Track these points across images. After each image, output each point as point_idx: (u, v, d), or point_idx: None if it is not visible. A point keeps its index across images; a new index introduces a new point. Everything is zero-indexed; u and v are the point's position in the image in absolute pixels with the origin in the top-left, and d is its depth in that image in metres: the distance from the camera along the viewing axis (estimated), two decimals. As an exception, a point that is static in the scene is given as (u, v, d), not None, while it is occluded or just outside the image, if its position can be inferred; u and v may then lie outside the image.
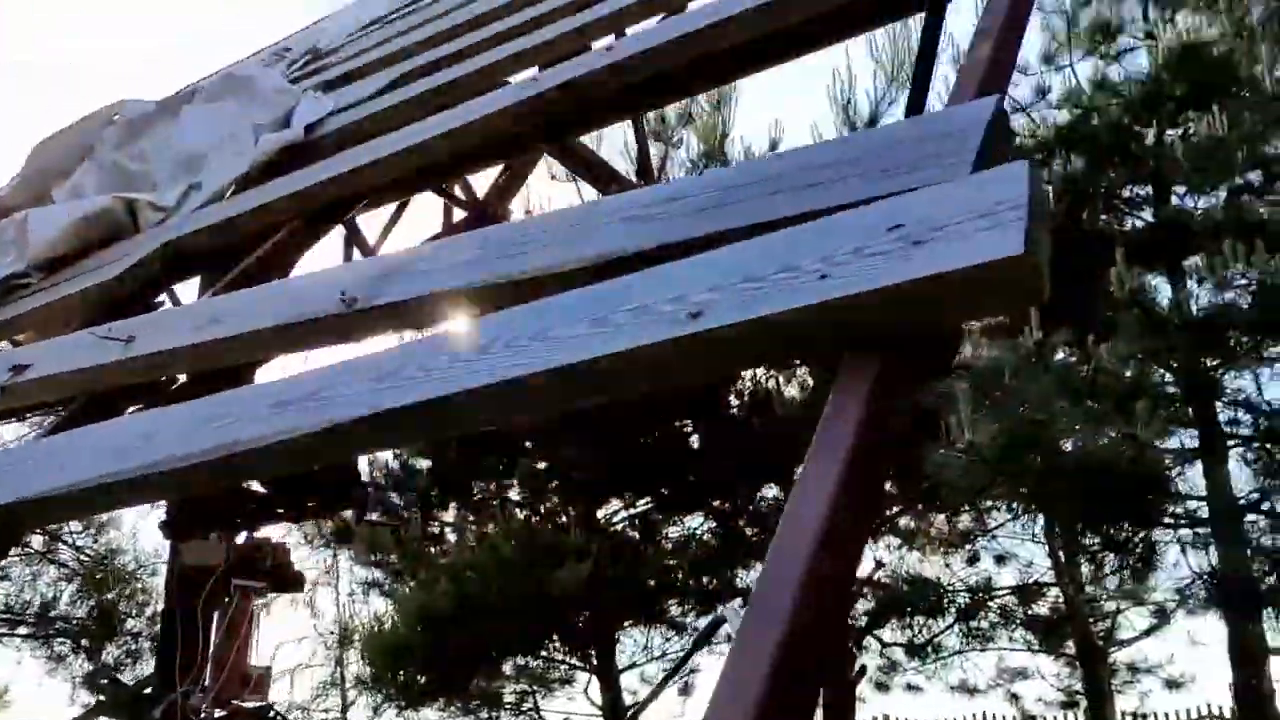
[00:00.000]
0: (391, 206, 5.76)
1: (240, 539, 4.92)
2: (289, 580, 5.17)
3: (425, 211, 6.76)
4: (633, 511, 11.33)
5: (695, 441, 11.04)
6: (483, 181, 6.06)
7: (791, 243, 1.31)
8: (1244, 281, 6.73)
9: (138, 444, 1.76)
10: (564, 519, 11.04)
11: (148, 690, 5.11)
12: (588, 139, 6.59)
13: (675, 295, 1.32)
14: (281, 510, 5.13)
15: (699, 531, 11.41)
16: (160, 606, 11.92)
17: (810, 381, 10.44)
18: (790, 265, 1.26)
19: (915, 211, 1.22)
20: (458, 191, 6.04)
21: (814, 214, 1.37)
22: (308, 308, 1.98)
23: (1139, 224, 9.32)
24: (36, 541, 12.11)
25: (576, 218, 1.83)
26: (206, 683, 4.68)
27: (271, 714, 5.25)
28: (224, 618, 4.78)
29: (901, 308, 1.14)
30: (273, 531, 5.31)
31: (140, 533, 17.40)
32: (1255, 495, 8.32)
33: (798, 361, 9.91)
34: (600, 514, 11.13)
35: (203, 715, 4.56)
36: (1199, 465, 8.52)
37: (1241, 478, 8.40)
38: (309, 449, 1.64)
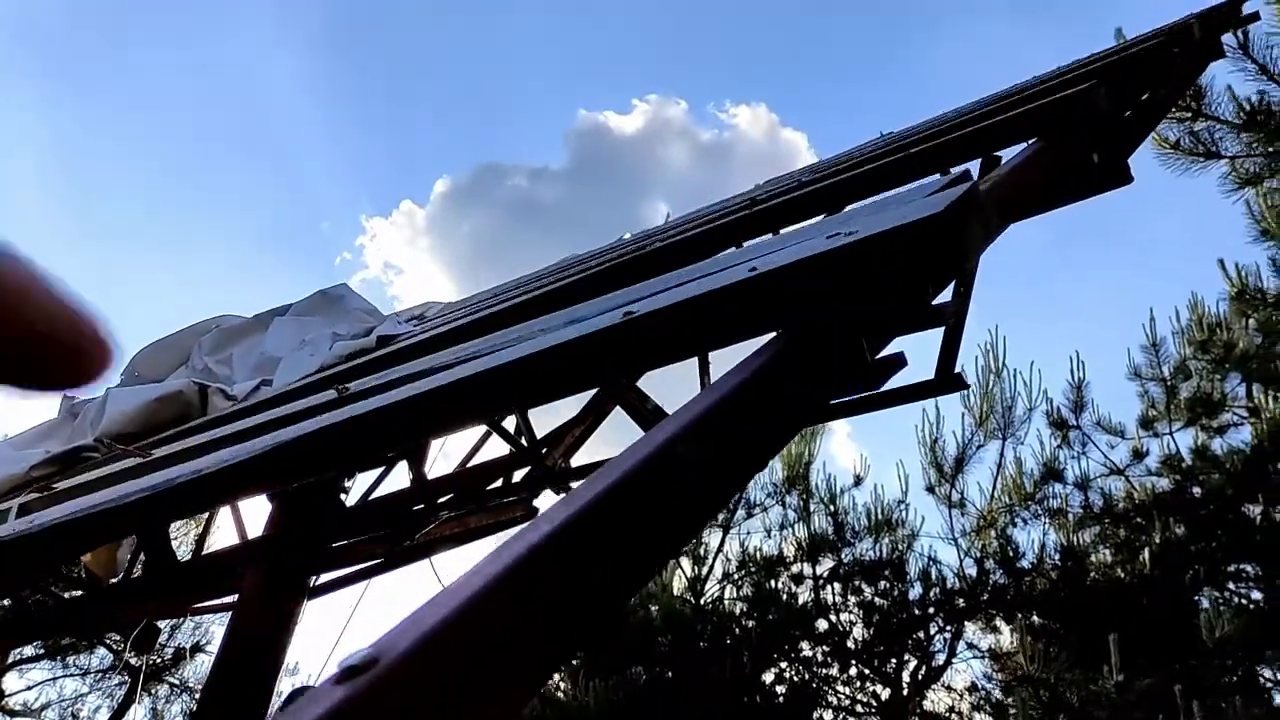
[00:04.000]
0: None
1: None
2: None
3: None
4: None
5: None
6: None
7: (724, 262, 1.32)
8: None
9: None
10: None
11: None
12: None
13: (618, 304, 1.33)
14: None
15: None
16: None
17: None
18: (724, 268, 1.26)
19: (854, 223, 1.23)
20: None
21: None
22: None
23: (1247, 603, 8.79)
24: None
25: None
26: None
27: None
28: None
29: (821, 276, 1.12)
30: None
31: None
32: None
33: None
34: None
35: None
36: None
37: None
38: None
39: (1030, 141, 2.23)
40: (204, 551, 4.58)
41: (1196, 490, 9.30)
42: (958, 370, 2.87)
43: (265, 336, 4.03)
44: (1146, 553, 8.84)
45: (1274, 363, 9.27)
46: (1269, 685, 7.51)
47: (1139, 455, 9.59)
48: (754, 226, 2.64)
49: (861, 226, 1.20)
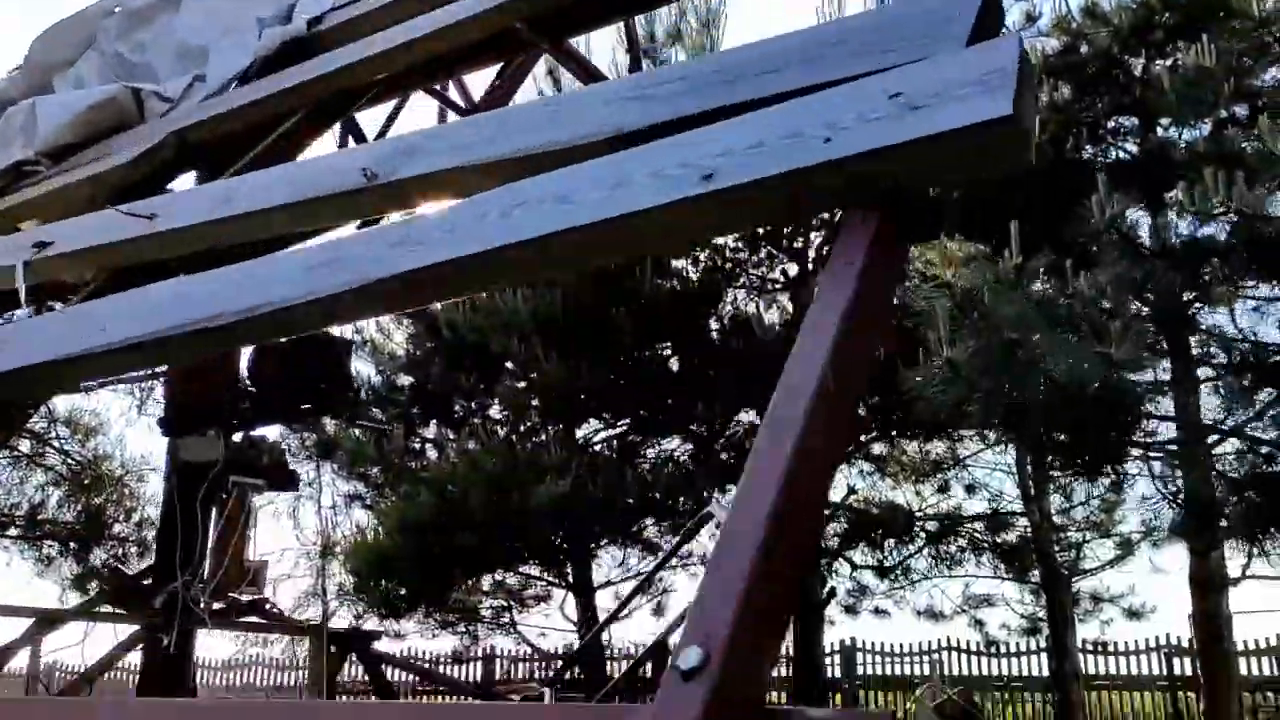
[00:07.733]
0: (389, 107, 5.82)
1: (236, 438, 5.02)
2: (285, 479, 5.30)
3: (422, 116, 6.78)
4: (612, 432, 11.48)
5: (675, 365, 11.16)
6: (479, 85, 6.03)
7: (796, 111, 1.41)
8: (1223, 212, 6.82)
9: (172, 305, 1.85)
10: (543, 437, 11.07)
11: (147, 581, 5.25)
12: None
13: (687, 160, 1.42)
14: (275, 411, 5.23)
15: (676, 454, 11.57)
16: (148, 512, 12.11)
17: (790, 307, 10.57)
18: (796, 131, 1.35)
19: (912, 81, 1.32)
20: (456, 96, 6.04)
21: (817, 87, 1.46)
22: (325, 183, 2.06)
23: (1124, 155, 9.42)
24: (24, 445, 12.22)
25: (587, 99, 1.91)
26: (205, 575, 4.83)
27: (268, 605, 5.41)
28: (222, 513, 4.92)
29: (900, 165, 1.25)
30: (267, 433, 5.42)
31: (127, 438, 17.56)
32: (1224, 423, 8.49)
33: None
34: (580, 434, 11.26)
35: (202, 605, 4.72)
36: (1171, 398, 8.72)
37: (1211, 407, 8.59)
38: (333, 308, 1.73)
39: None
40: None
41: (1084, 49, 9.55)
42: None
43: (178, 19, 3.79)
44: (1037, 122, 9.25)
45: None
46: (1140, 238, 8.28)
47: (1031, 19, 9.73)
48: None
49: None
